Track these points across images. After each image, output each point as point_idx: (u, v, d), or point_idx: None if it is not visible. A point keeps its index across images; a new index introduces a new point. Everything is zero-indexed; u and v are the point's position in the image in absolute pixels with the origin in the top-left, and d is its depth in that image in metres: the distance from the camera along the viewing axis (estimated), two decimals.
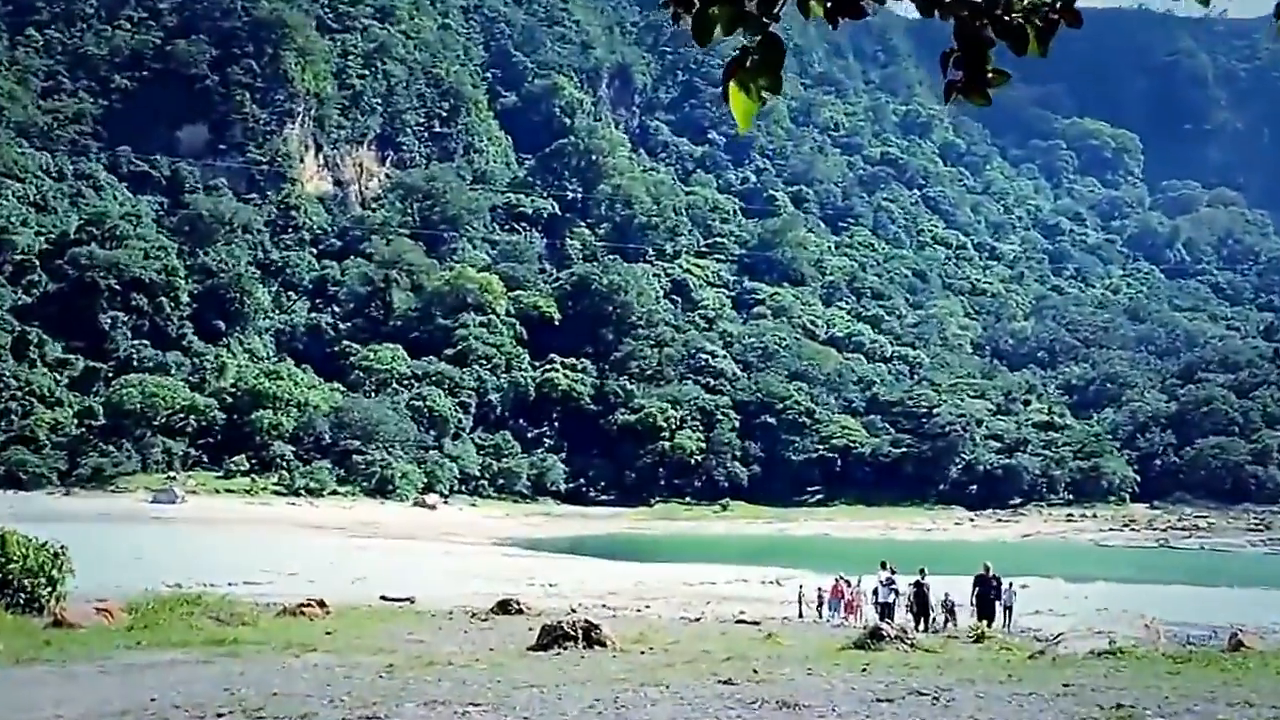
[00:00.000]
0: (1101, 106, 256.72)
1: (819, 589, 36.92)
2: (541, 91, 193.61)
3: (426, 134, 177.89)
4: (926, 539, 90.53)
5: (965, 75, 4.28)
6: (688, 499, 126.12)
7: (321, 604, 25.89)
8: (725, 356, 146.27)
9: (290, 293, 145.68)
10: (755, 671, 15.02)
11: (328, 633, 20.84)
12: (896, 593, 32.62)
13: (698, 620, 32.35)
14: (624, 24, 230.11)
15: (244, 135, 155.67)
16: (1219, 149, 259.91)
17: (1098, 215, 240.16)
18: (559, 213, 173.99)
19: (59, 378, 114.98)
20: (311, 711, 11.67)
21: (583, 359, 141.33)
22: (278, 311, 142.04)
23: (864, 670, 15.60)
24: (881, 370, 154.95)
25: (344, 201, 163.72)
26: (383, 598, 36.06)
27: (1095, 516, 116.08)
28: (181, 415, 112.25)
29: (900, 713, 11.93)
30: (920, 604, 31.51)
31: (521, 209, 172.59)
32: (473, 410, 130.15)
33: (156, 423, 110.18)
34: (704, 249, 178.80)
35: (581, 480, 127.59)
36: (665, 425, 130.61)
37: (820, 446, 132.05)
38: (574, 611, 28.46)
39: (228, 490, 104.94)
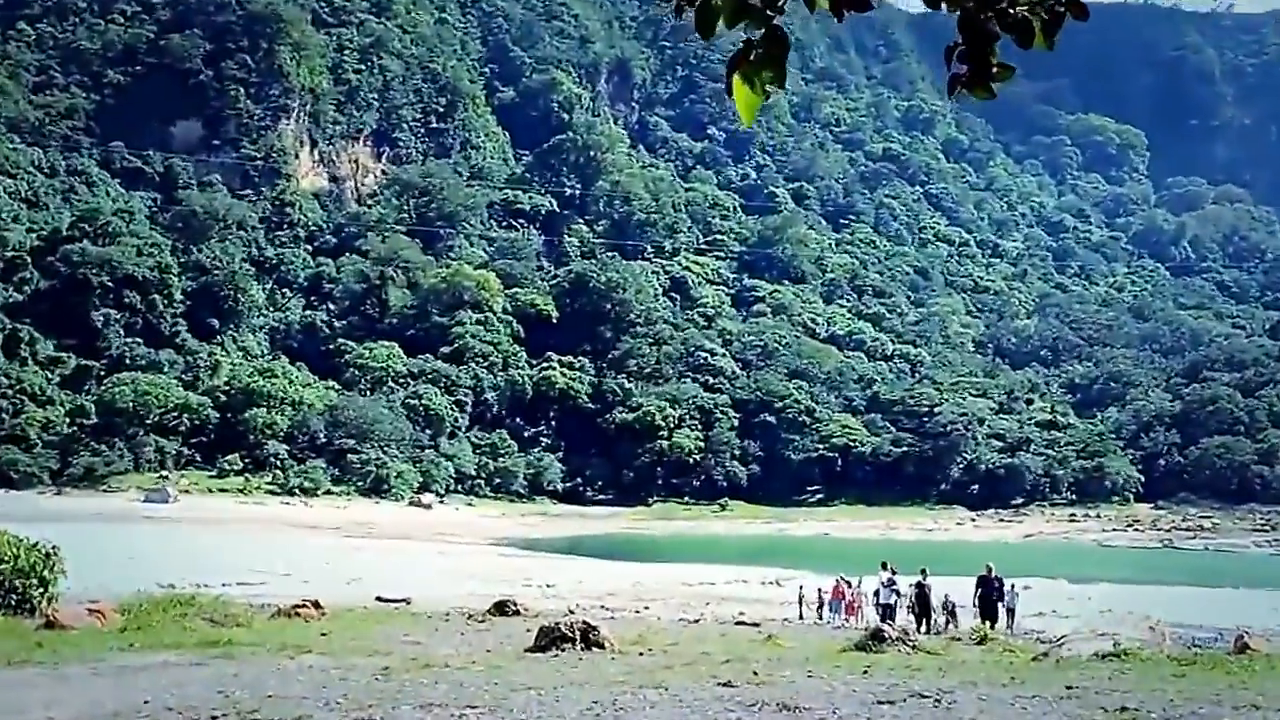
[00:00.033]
0: (1106, 102, 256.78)
1: (819, 590, 36.91)
2: (539, 87, 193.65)
3: (423, 130, 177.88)
4: (928, 539, 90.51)
5: (969, 69, 4.27)
6: (686, 499, 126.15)
7: (316, 605, 25.89)
8: (724, 355, 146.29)
9: (285, 290, 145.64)
10: (755, 674, 15.02)
11: (323, 634, 20.82)
12: (898, 594, 32.62)
13: (697, 622, 32.34)
14: (623, 18, 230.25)
15: (238, 131, 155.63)
16: (1225, 145, 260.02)
17: (1102, 212, 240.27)
18: (557, 209, 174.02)
19: (50, 376, 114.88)
20: (306, 714, 11.66)
21: (580, 357, 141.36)
22: (272, 309, 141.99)
23: (865, 672, 15.59)
24: (882, 369, 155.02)
25: (339, 198, 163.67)
26: (378, 599, 36.02)
27: (1099, 517, 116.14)
28: (174, 414, 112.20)
29: (902, 715, 11.93)
30: (922, 605, 31.51)
31: (519, 205, 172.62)
32: (469, 409, 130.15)
33: (149, 421, 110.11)
34: (703, 246, 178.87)
35: (579, 480, 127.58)
36: (664, 424, 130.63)
37: (820, 446, 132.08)
38: (572, 613, 28.45)
39: (221, 490, 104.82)
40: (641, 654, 18.39)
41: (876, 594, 33.17)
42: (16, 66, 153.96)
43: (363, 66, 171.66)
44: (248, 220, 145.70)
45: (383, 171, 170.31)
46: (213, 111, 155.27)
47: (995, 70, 4.27)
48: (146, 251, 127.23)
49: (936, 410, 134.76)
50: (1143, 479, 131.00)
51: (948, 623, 31.97)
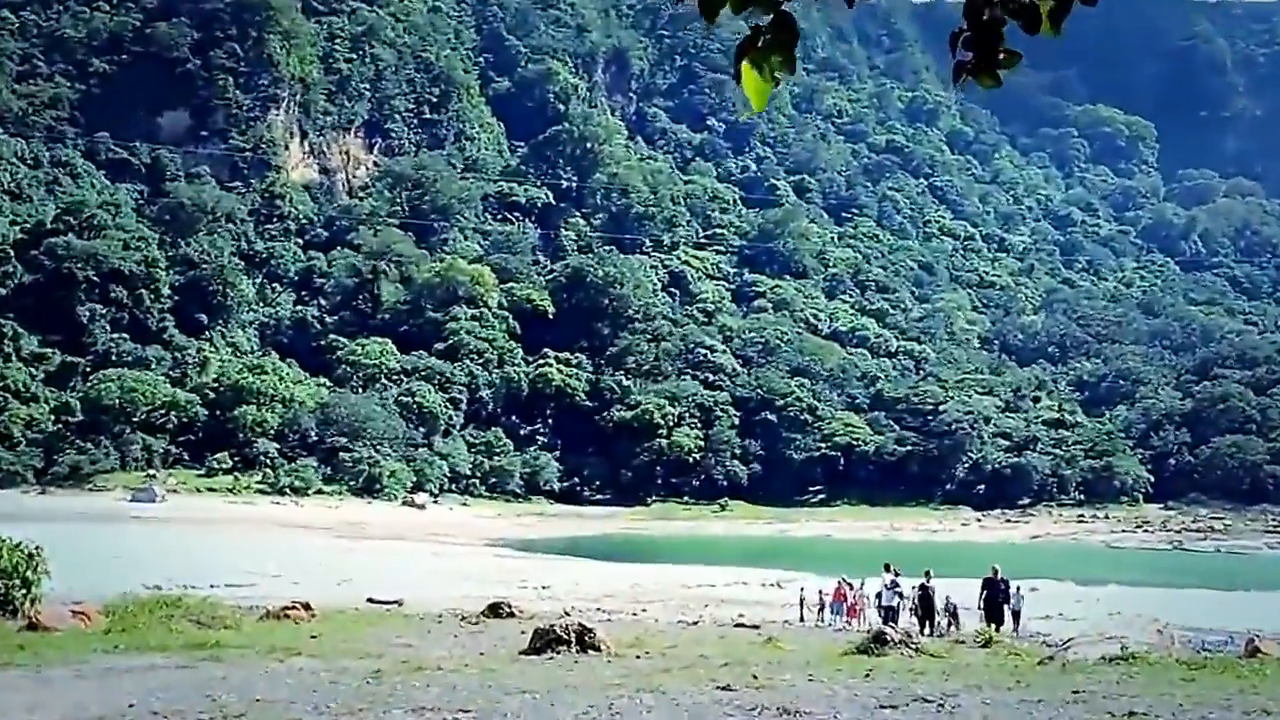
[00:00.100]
0: (1114, 92, 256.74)
1: (821, 592, 36.94)
2: (535, 77, 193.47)
3: (416, 120, 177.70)
4: (932, 540, 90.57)
5: (975, 56, 4.25)
6: (686, 498, 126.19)
7: (306, 607, 25.90)
8: (725, 351, 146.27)
9: (275, 284, 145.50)
10: (755, 677, 15.02)
11: (313, 636, 20.82)
12: (901, 596, 32.66)
13: (695, 624, 32.36)
14: (620, 7, 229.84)
15: (227, 121, 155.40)
16: (1236, 137, 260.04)
17: (1110, 206, 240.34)
18: (553, 202, 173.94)
19: (35, 372, 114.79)
20: (295, 718, 11.65)
21: (577, 354, 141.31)
22: (262, 304, 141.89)
23: (867, 676, 15.60)
24: (886, 366, 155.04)
25: (330, 190, 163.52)
26: (370, 600, 36.04)
27: (1107, 517, 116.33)
28: (162, 411, 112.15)
29: None
30: (925, 607, 31.56)
31: (514, 198, 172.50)
32: (464, 406, 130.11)
33: (136, 419, 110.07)
34: (703, 240, 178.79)
35: (576, 479, 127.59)
36: (663, 422, 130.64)
37: (822, 444, 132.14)
38: (568, 615, 28.48)
39: (209, 489, 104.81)
40: (639, 657, 18.39)
41: (879, 596, 33.21)
42: (0, 55, 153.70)
43: (354, 55, 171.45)
44: (236, 213, 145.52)
45: (375, 163, 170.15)
46: (200, 102, 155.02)
47: (1002, 57, 4.25)
48: (133, 245, 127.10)
49: (941, 408, 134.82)
50: (1152, 479, 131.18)
51: (950, 625, 32.02)
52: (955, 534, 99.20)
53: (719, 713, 12.28)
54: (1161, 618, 34.94)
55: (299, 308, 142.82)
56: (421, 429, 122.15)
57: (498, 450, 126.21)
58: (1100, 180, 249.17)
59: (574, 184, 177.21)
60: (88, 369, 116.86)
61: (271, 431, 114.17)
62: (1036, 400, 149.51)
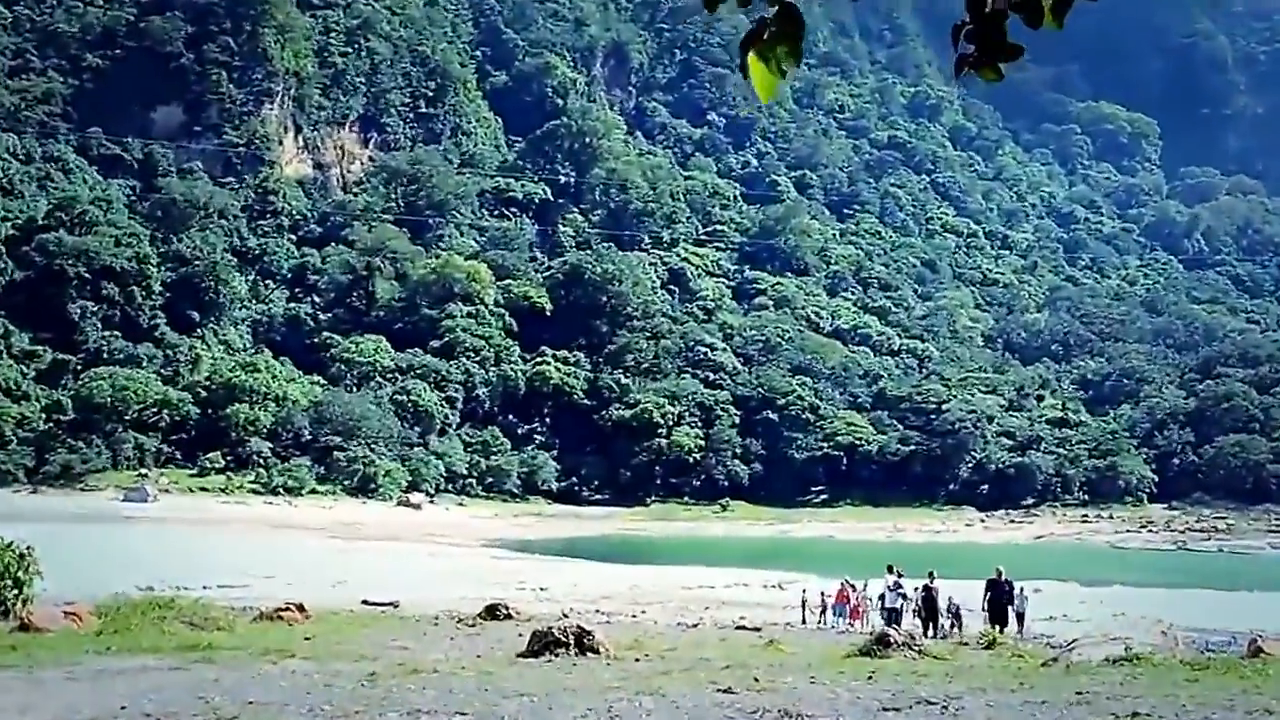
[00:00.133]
0: (1117, 89, 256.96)
1: (823, 593, 37.00)
2: (533, 70, 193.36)
3: (412, 115, 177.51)
4: (935, 541, 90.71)
5: (977, 48, 4.25)
6: (686, 499, 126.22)
7: (300, 608, 25.91)
8: (725, 349, 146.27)
9: (268, 281, 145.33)
10: (756, 680, 15.02)
11: (307, 638, 20.81)
12: (904, 597, 32.70)
13: (695, 626, 32.38)
14: (619, 0, 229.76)
15: (220, 116, 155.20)
16: (1238, 135, 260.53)
17: (1114, 203, 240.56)
18: (551, 198, 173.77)
19: (26, 370, 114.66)
20: None
21: (575, 352, 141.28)
22: (255, 301, 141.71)
23: (870, 678, 15.61)
24: (888, 364, 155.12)
25: (325, 185, 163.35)
26: (365, 602, 36.06)
27: (1111, 518, 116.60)
28: (154, 410, 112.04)
29: None
30: (929, 609, 31.58)
31: (511, 194, 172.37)
32: (460, 405, 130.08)
33: (128, 417, 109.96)
34: (703, 236, 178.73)
35: (574, 479, 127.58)
36: (662, 421, 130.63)
37: (824, 444, 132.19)
38: (566, 617, 28.50)
39: (202, 488, 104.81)
40: (638, 659, 18.39)
41: (882, 597, 33.25)
42: None
43: (349, 49, 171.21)
44: (230, 209, 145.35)
45: (370, 158, 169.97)
46: (194, 96, 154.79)
47: (1004, 50, 4.25)
48: (125, 241, 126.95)
49: (944, 407, 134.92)
50: (1156, 479, 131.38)
51: (952, 626, 32.05)
52: (959, 534, 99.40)
53: (719, 716, 12.28)
54: (1165, 618, 34.95)
55: (292, 305, 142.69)
56: (417, 428, 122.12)
57: (494, 449, 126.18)
58: (1103, 177, 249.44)
59: (572, 179, 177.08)
60: (79, 367, 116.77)
61: (265, 430, 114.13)
62: (1040, 399, 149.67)
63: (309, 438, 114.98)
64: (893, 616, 31.46)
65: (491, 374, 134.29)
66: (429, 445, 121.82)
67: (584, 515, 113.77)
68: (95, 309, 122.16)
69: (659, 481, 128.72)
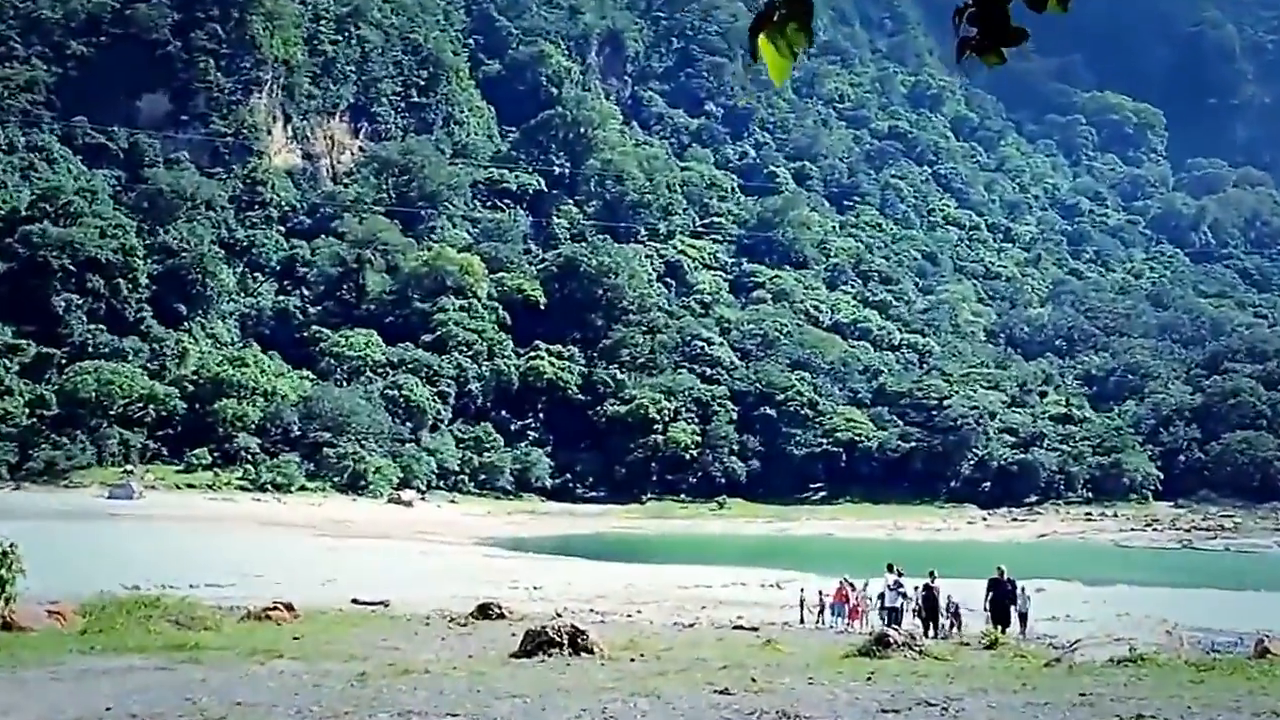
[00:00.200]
0: (1122, 79, 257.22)
1: (821, 592, 37.00)
2: (527, 59, 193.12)
3: (403, 104, 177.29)
4: (936, 539, 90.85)
5: (979, 31, 4.24)
6: (682, 496, 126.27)
7: (289, 607, 25.92)
8: (722, 344, 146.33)
9: (256, 274, 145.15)
10: (753, 680, 15.04)
11: (295, 638, 20.82)
12: (904, 597, 32.73)
13: (692, 626, 32.42)
14: None
15: (208, 105, 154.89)
16: (1245, 125, 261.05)
17: (1119, 195, 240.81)
18: (545, 189, 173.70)
19: (9, 364, 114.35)
20: None
21: (570, 346, 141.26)
22: (243, 294, 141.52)
23: (869, 679, 15.63)
24: (889, 359, 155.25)
25: (314, 176, 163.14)
26: (354, 601, 36.08)
27: (1115, 516, 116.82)
28: (139, 405, 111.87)
29: None
30: (929, 609, 31.62)
31: (505, 185, 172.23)
32: (452, 400, 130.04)
33: (113, 413, 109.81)
34: (700, 229, 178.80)
35: (568, 476, 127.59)
36: (658, 417, 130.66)
37: (824, 440, 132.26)
38: (559, 616, 28.51)
39: (189, 485, 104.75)
40: (633, 660, 18.41)
41: (881, 597, 33.29)
42: None
43: (339, 37, 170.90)
44: (217, 200, 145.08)
45: (360, 148, 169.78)
46: (181, 85, 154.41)
47: (1007, 33, 4.24)
48: (110, 233, 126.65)
49: (946, 403, 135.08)
50: (1161, 476, 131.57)
51: (952, 625, 32.10)
52: (960, 533, 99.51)
53: (716, 717, 12.29)
54: (1170, 618, 35.07)
55: (281, 298, 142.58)
56: (408, 423, 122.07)
57: (487, 445, 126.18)
58: (1108, 169, 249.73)
59: (567, 170, 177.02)
60: (63, 361, 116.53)
61: (253, 426, 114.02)
62: (1043, 395, 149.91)
63: (298, 433, 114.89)
64: (893, 616, 31.52)
65: (484, 368, 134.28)
66: (420, 441, 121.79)
67: (578, 513, 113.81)
68: (80, 302, 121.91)
69: (655, 478, 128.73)
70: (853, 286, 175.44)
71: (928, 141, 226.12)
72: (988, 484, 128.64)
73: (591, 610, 36.82)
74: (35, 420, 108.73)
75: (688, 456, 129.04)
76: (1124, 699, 13.50)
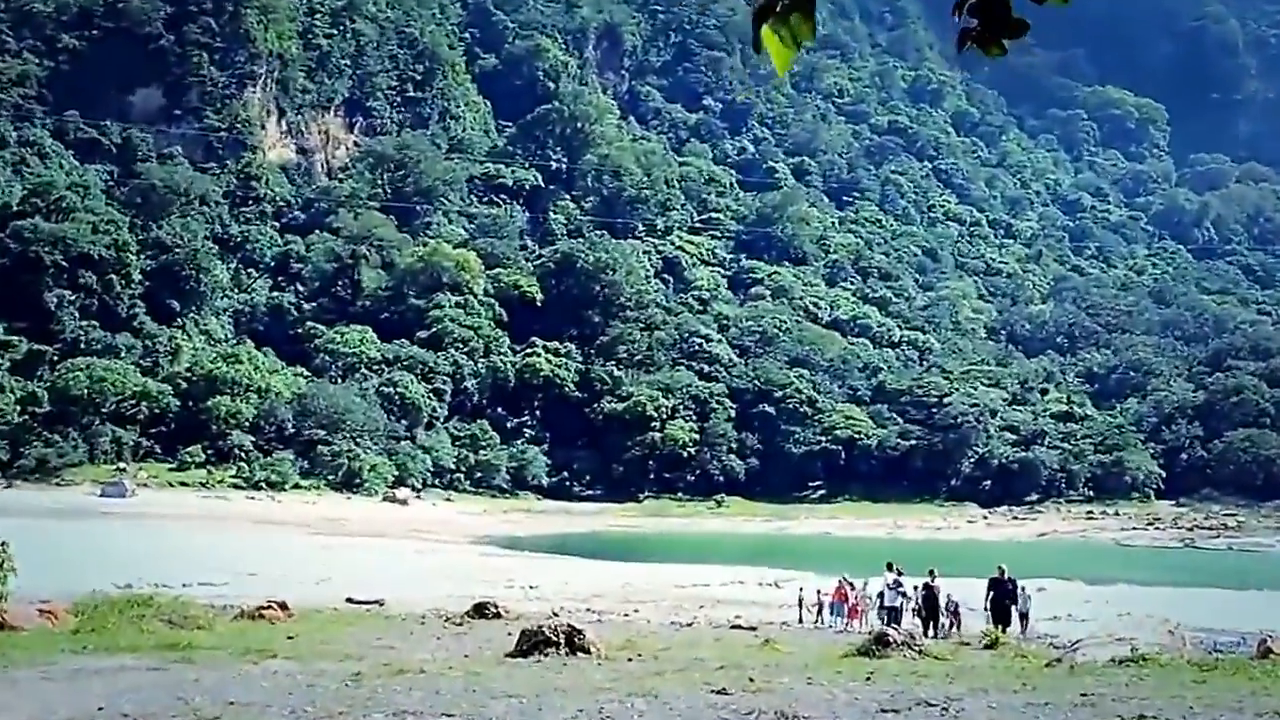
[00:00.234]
0: (1124, 73, 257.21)
1: (820, 592, 36.99)
2: (523, 53, 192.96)
3: (399, 98, 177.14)
4: (936, 538, 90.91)
5: (980, 22, 4.24)
6: (680, 494, 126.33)
7: (283, 606, 25.92)
8: (720, 341, 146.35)
9: (250, 270, 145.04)
10: (751, 680, 15.04)
11: (289, 637, 20.81)
12: (904, 596, 32.73)
13: (689, 625, 32.43)
14: None
15: (201, 99, 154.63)
16: (1248, 120, 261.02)
17: (1121, 191, 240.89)
18: (542, 184, 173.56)
19: (0, 361, 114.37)
20: None
21: (567, 343, 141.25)
22: (237, 290, 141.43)
23: (868, 679, 15.63)
24: (889, 356, 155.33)
25: (309, 171, 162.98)
26: (349, 600, 36.06)
27: (1117, 514, 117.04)
28: (132, 402, 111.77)
29: None
30: (929, 608, 31.63)
31: (501, 180, 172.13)
32: (448, 398, 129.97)
33: (105, 410, 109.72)
34: (698, 224, 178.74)
35: (565, 474, 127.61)
36: (656, 415, 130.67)
37: (823, 438, 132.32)
38: (556, 615, 28.51)
39: (182, 483, 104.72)
40: (630, 659, 18.41)
41: (881, 596, 33.29)
42: None
43: (334, 31, 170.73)
44: (211, 195, 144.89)
45: (355, 143, 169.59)
46: (174, 79, 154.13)
47: (1009, 24, 4.24)
48: (103, 228, 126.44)
49: (946, 401, 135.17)
50: (1163, 474, 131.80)
51: (952, 625, 32.12)
52: (960, 531, 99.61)
53: (713, 717, 12.29)
54: (1172, 618, 35.08)
55: (275, 294, 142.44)
56: (403, 421, 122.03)
57: (483, 443, 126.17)
58: (1110, 164, 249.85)
59: (564, 165, 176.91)
60: (55, 357, 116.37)
61: (246, 423, 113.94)
62: (1044, 392, 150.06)
63: (292, 431, 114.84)
64: (892, 616, 31.50)
65: (480, 365, 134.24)
66: (416, 439, 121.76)
67: (575, 511, 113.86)
68: (72, 298, 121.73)
69: (652, 476, 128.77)
70: (852, 283, 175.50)
71: (928, 137, 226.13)
72: (988, 482, 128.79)
73: (588, 609, 36.81)
74: (27, 417, 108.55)
75: (685, 454, 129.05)
76: (1126, 699, 13.50)
